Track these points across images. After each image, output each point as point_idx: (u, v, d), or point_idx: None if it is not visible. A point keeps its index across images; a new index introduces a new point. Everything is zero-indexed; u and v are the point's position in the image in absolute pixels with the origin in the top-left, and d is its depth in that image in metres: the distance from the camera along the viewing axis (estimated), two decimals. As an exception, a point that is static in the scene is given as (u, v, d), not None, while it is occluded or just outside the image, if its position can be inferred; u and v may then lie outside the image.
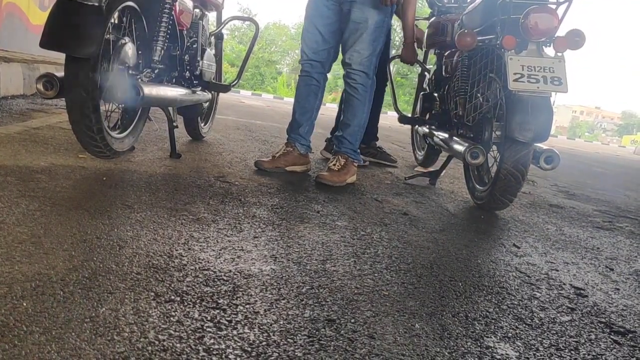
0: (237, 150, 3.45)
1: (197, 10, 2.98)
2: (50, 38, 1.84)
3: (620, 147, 37.58)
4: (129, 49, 2.21)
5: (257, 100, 15.47)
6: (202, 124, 3.59)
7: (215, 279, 1.25)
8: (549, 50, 2.35)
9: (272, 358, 0.94)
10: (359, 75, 2.86)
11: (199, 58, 2.87)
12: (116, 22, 2.20)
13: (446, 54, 3.29)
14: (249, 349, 0.95)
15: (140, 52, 2.36)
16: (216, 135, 4.12)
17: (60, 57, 1.98)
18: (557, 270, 1.80)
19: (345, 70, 2.92)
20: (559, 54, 2.30)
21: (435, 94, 3.41)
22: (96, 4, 1.89)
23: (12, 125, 2.97)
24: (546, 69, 2.25)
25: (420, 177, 3.33)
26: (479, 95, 2.64)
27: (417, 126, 3.79)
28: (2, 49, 5.62)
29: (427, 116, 3.48)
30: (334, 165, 2.86)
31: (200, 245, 1.47)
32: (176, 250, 1.40)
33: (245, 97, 16.88)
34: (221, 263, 1.36)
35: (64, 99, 2.01)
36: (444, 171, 3.32)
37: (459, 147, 2.56)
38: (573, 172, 6.28)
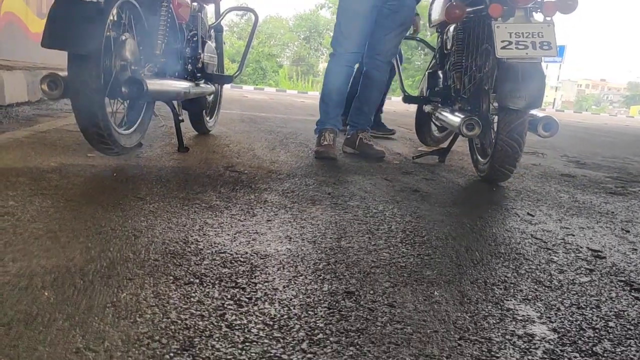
0: (244, 142, 3.45)
1: (195, 3, 2.98)
2: (52, 37, 1.85)
3: (629, 117, 37.20)
4: (130, 44, 2.21)
5: (260, 94, 15.46)
6: (208, 118, 3.59)
7: (232, 261, 1.26)
8: (540, 16, 2.33)
9: (295, 330, 0.94)
10: (388, 64, 3.29)
11: (200, 51, 2.87)
12: (115, 19, 2.20)
13: (445, 30, 3.27)
14: (271, 323, 0.96)
15: (141, 47, 2.36)
16: (222, 128, 4.13)
17: (62, 63, 1.99)
18: (573, 235, 1.79)
19: (374, 57, 3.25)
20: (548, 19, 2.28)
21: (439, 72, 3.39)
22: (95, 0, 1.89)
23: (19, 131, 2.99)
24: (534, 34, 2.23)
25: (429, 156, 3.32)
26: (473, 67, 2.62)
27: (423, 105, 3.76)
28: (4, 59, 5.65)
29: (430, 93, 3.46)
30: (370, 141, 3.33)
31: (215, 231, 1.48)
32: (191, 236, 1.41)
33: (248, 91, 16.84)
34: (237, 246, 1.37)
35: (69, 98, 2.03)
36: (452, 148, 3.30)
37: (456, 120, 2.55)
38: (582, 143, 6.24)
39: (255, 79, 30.51)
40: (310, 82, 29.10)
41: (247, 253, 1.32)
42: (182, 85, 2.59)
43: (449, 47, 3.15)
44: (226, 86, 5.05)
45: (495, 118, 2.57)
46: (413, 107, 4.17)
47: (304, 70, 33.94)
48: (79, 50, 1.87)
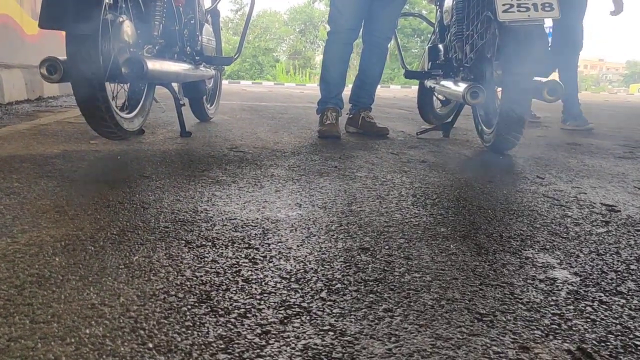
0: (246, 127, 3.43)
1: (190, -14, 2.94)
2: (49, 18, 1.82)
3: (629, 95, 37.02)
4: (127, 26, 2.18)
5: (259, 87, 15.42)
6: (208, 105, 3.57)
7: (244, 226, 1.24)
8: None
9: (312, 281, 0.92)
10: (387, 39, 3.28)
11: (198, 33, 2.84)
12: (112, 2, 2.17)
13: (444, 2, 3.24)
14: (288, 277, 0.94)
15: (139, 31, 2.33)
16: (223, 116, 4.11)
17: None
18: (586, 193, 1.76)
19: (374, 35, 3.24)
20: None
21: (440, 45, 3.36)
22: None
23: (20, 124, 2.97)
24: None
25: (433, 132, 3.29)
26: (475, 35, 2.59)
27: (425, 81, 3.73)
28: (1, 62, 5.60)
29: (431, 66, 3.42)
30: (372, 119, 3.29)
31: (224, 201, 1.46)
32: (200, 206, 1.39)
33: (246, 85, 16.82)
34: (247, 213, 1.35)
35: (68, 82, 2.00)
36: (455, 122, 3.27)
37: (459, 89, 2.52)
38: (586, 116, 6.17)
39: (253, 74, 30.44)
40: (307, 74, 28.99)
41: (257, 219, 1.30)
42: (182, 66, 2.57)
43: (448, 19, 3.12)
44: (224, 81, 5.03)
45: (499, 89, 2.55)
46: (412, 93, 4.14)
47: (301, 64, 33.76)
48: (77, 30, 1.84)
